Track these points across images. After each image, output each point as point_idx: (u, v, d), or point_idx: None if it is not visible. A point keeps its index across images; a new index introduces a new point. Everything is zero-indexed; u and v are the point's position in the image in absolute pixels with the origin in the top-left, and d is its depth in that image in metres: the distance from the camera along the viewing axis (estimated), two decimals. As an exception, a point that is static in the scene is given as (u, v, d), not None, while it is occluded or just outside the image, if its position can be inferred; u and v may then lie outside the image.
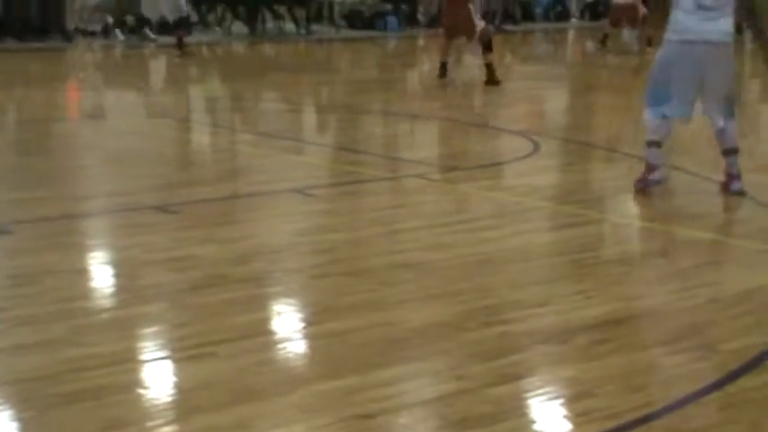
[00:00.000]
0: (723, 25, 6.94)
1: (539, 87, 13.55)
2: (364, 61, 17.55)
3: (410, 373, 4.23)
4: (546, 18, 22.23)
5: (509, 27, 21.35)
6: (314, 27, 19.87)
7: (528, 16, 22.26)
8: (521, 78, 15.13)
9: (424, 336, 4.63)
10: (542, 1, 22.75)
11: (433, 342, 4.55)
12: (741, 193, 7.16)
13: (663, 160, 7.41)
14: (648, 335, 4.68)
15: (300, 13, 19.94)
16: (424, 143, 9.90)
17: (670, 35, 7.15)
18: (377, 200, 7.44)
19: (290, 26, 20.06)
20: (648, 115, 7.37)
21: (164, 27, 18.09)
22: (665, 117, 7.28)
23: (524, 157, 8.75)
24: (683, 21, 6.96)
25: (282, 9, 20.29)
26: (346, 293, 5.20)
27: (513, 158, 8.84)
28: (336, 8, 20.83)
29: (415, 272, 5.56)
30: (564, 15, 22.84)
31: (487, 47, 13.10)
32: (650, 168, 7.36)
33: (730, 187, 7.23)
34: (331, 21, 20.89)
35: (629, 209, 7.43)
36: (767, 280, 5.47)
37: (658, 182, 7.41)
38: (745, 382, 4.13)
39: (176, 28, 16.57)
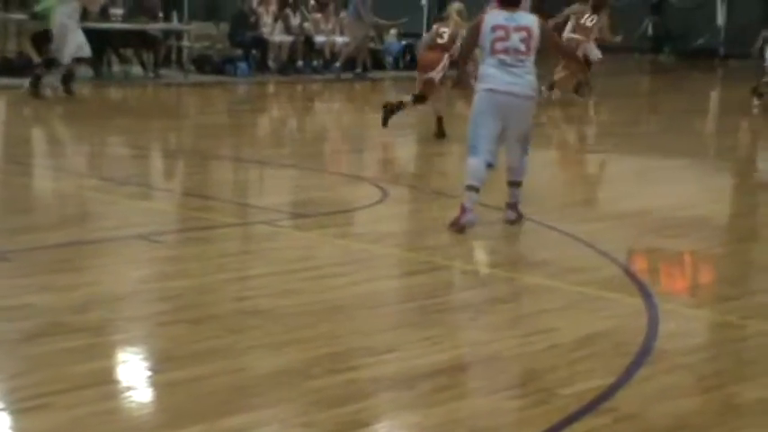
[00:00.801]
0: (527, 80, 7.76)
1: (388, 135, 13.68)
2: (213, 106, 17.45)
3: (256, 422, 4.19)
4: (396, 67, 22.53)
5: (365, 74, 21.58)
6: (162, 71, 19.66)
7: (378, 65, 22.53)
8: (371, 126, 15.28)
9: (270, 383, 4.61)
10: (392, 50, 23.05)
11: (279, 389, 4.53)
12: (512, 222, 8.06)
13: (475, 204, 7.74)
14: (491, 380, 4.75)
15: (148, 56, 19.71)
16: (273, 190, 9.88)
17: (480, 85, 7.86)
18: (225, 246, 7.38)
19: (137, 69, 19.82)
20: (470, 161, 7.83)
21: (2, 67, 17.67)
22: (487, 164, 7.77)
23: (373, 204, 8.82)
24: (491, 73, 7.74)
25: (129, 52, 20.03)
26: (192, 341, 5.13)
27: (361, 206, 8.90)
28: (185, 52, 20.67)
29: (263, 319, 5.53)
30: (413, 64, 23.17)
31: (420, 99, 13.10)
32: (464, 210, 7.60)
33: (507, 216, 8.09)
34: (180, 65, 20.71)
35: (474, 256, 7.57)
36: (604, 326, 5.63)
37: (472, 223, 7.66)
38: (582, 425, 4.24)
39: (40, 66, 16.10)
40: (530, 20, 7.76)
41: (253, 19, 21.05)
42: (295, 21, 21.77)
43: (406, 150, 13.17)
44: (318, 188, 9.84)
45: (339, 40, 22.32)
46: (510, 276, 6.80)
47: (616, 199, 9.57)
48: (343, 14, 22.66)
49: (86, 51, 15.92)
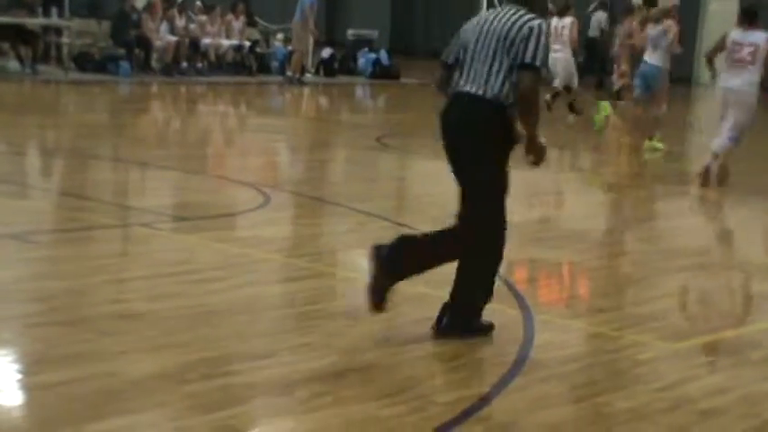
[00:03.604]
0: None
1: (272, 140, 13.63)
2: (94, 105, 17.14)
3: (126, 426, 4.11)
4: (281, 72, 22.46)
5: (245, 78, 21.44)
6: (41, 67, 19.23)
7: (263, 69, 22.45)
8: (256, 130, 15.19)
9: (142, 388, 4.52)
10: (278, 55, 22.97)
11: (152, 394, 4.45)
12: None
13: None
14: (368, 387, 4.75)
15: (26, 51, 19.26)
16: (152, 192, 9.74)
17: None
18: (101, 248, 7.24)
19: (13, 64, 19.33)
20: None
21: None
22: None
23: (254, 209, 8.76)
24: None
25: (6, 46, 19.55)
26: (63, 343, 5.01)
27: (242, 210, 8.83)
28: (65, 49, 20.26)
29: (137, 322, 5.43)
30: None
31: None
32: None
33: None
34: (59, 62, 20.29)
35: (355, 263, 7.56)
36: (481, 336, 5.67)
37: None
38: (457, 433, 4.27)
39: None
40: None
41: (135, 17, 20.74)
42: (180, 22, 21.54)
43: (288, 156, 13.13)
44: (199, 191, 9.73)
45: (225, 42, 22.16)
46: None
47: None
48: (230, 17, 22.52)
49: None
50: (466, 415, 4.45)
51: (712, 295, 7.04)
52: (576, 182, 12.06)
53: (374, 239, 7.97)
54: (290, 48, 22.50)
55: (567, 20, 16.86)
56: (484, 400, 4.66)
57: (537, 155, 5.73)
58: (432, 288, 6.55)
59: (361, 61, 24.30)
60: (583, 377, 5.19)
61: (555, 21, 16.74)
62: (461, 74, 5.63)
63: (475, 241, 5.63)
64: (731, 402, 4.93)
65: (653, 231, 9.42)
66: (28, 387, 4.53)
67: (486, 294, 5.65)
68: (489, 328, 5.67)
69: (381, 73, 23.83)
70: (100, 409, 4.22)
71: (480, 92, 5.48)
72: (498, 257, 5.69)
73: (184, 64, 21.11)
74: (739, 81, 11.41)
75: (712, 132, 12.17)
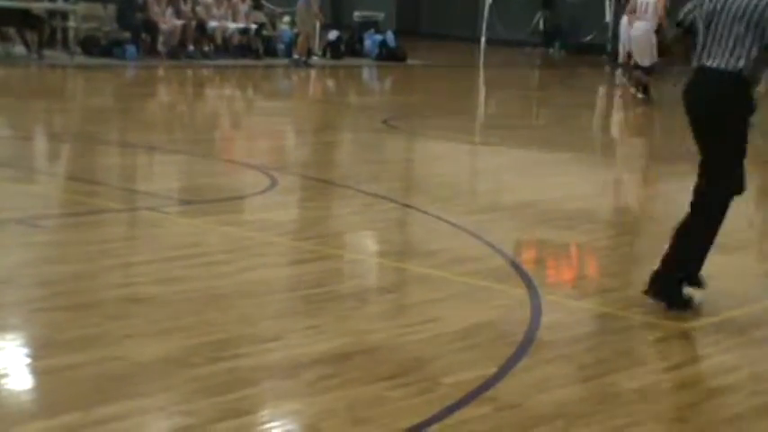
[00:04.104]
0: None
1: (279, 123, 13.62)
2: (100, 89, 17.13)
3: (135, 410, 4.12)
4: (287, 54, 22.41)
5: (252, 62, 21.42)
6: (47, 52, 19.22)
7: (270, 52, 22.43)
8: (262, 114, 15.19)
9: (150, 371, 4.53)
10: (284, 38, 22.93)
11: (159, 377, 4.46)
12: None
13: None
14: (375, 369, 4.75)
15: (32, 36, 19.24)
16: (160, 176, 9.74)
17: None
18: (108, 232, 7.24)
19: (20, 49, 19.32)
20: None
21: None
22: None
23: (261, 192, 8.76)
24: None
25: (11, 31, 19.53)
26: (70, 328, 5.02)
27: (249, 193, 8.82)
28: (71, 33, 20.23)
29: (144, 306, 5.44)
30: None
31: None
32: None
33: None
34: (65, 46, 20.27)
35: (362, 245, 7.57)
36: (488, 316, 5.68)
37: None
38: (463, 414, 4.27)
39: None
40: None
41: (141, 1, 20.71)
42: (186, 5, 21.50)
43: (295, 138, 13.12)
44: (207, 175, 9.73)
45: (231, 25, 22.12)
46: (396, 266, 6.81)
47: (503, 191, 9.67)
48: (236, 0, 22.48)
49: None
50: (473, 396, 4.45)
51: (720, 274, 7.01)
52: (585, 162, 12.03)
53: (381, 221, 8.03)
54: (295, 30, 22.46)
55: None
56: (491, 381, 4.65)
57: None
58: (436, 269, 6.56)
59: (368, 43, 24.25)
60: (590, 357, 5.18)
61: None
62: (703, 48, 5.83)
63: (711, 212, 5.94)
64: (739, 381, 4.92)
65: (663, 210, 9.40)
66: (35, 371, 4.55)
67: (700, 263, 5.98)
68: (690, 301, 5.95)
69: (388, 55, 23.77)
70: (107, 393, 4.23)
71: (725, 66, 5.73)
72: (716, 233, 5.99)
73: (191, 47, 21.08)
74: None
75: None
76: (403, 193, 9.18)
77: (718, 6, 5.78)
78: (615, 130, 16.12)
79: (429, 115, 15.09)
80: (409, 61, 23.83)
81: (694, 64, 5.92)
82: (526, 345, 5.22)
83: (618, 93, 17.06)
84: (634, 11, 16.64)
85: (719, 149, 5.90)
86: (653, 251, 7.66)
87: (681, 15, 6.04)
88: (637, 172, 11.82)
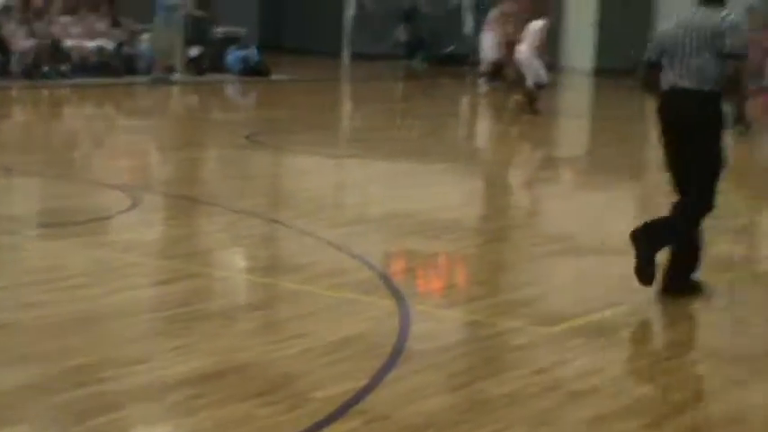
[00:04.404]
0: None
1: (140, 141, 13.40)
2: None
3: (-5, 441, 3.98)
4: (148, 72, 22.08)
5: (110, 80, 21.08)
6: None
7: (130, 69, 22.08)
8: (124, 132, 14.92)
9: (10, 400, 4.39)
10: (145, 55, 22.60)
11: (20, 406, 4.32)
12: None
13: None
14: (244, 387, 4.70)
15: None
16: (17, 198, 9.49)
17: None
18: (-36, 258, 7.01)
19: None
20: None
21: None
22: None
23: (124, 211, 8.59)
24: None
25: None
26: (-75, 359, 4.83)
27: (112, 213, 8.64)
28: None
29: (3, 333, 5.27)
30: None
31: None
32: None
33: None
34: None
35: (229, 262, 7.49)
36: (358, 329, 5.68)
37: None
38: (333, 428, 4.26)
39: None
40: None
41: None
42: (40, 24, 21.00)
43: (158, 157, 12.93)
44: (66, 196, 9.51)
45: (89, 44, 21.68)
46: (264, 282, 6.77)
47: (370, 203, 9.69)
48: (93, 17, 22.06)
49: None
50: (342, 410, 4.44)
51: (582, 278, 7.17)
52: (450, 171, 12.16)
53: (248, 237, 7.97)
54: (156, 47, 22.13)
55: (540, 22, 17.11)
56: (361, 394, 4.65)
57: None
58: (305, 284, 6.54)
59: (230, 59, 24.06)
60: (459, 365, 5.23)
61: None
62: (673, 70, 6.37)
63: (700, 214, 6.45)
64: (601, 382, 5.02)
65: (524, 217, 9.57)
66: None
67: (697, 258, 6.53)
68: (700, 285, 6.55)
69: (251, 70, 23.62)
70: (-35, 425, 4.09)
71: (697, 86, 6.28)
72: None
73: (46, 67, 20.56)
74: None
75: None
76: (269, 209, 9.13)
77: (682, 31, 6.36)
78: (480, 139, 16.35)
79: (294, 130, 15.05)
80: (273, 76, 23.73)
81: (666, 86, 6.42)
82: (396, 356, 5.24)
83: (510, 104, 17.31)
84: (511, 30, 17.20)
85: (699, 166, 6.37)
86: (520, 258, 7.81)
87: (648, 53, 6.59)
88: (502, 180, 12.00)
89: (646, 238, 6.37)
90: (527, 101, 16.87)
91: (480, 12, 26.97)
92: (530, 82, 16.89)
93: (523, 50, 16.89)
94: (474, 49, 27.10)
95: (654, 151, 14.59)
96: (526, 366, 5.22)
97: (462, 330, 6.02)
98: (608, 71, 25.44)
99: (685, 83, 6.31)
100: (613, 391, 4.92)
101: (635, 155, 13.82)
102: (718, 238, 8.11)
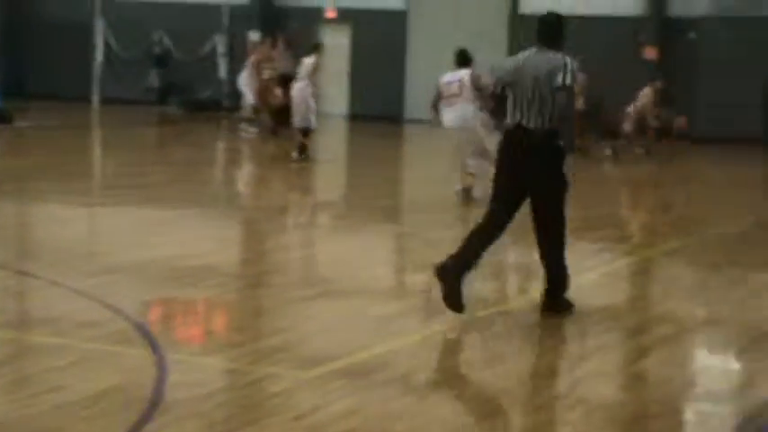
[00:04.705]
0: None
1: None
2: None
3: None
4: None
5: None
6: None
7: None
8: None
9: None
10: None
11: None
12: None
13: None
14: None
15: None
16: None
17: None
18: None
19: None
20: None
21: None
22: None
23: None
24: None
25: None
26: None
27: None
28: None
29: None
30: None
31: None
32: None
33: None
34: None
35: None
36: (114, 381, 5.54)
37: None
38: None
39: None
40: None
41: None
42: None
43: None
44: None
45: None
46: (13, 337, 6.50)
47: (123, 251, 9.45)
48: None
49: None
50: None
51: (340, 321, 7.25)
52: (207, 217, 12.06)
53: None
54: None
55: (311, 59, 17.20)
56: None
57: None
58: (57, 336, 6.32)
59: (-31, 107, 23.06)
60: (219, 414, 5.17)
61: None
62: (516, 108, 7.08)
63: (558, 235, 7.22)
64: (362, 423, 5.09)
65: (282, 262, 9.59)
66: None
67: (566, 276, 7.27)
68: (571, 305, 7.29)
69: (-6, 118, 22.71)
70: None
71: (539, 124, 7.00)
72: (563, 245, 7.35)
73: None
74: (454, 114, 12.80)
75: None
76: (17, 260, 8.79)
77: (519, 73, 7.12)
78: (238, 184, 16.28)
79: (41, 178, 14.55)
80: (17, 123, 22.91)
81: (510, 123, 7.11)
82: (153, 407, 5.14)
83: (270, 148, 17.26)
84: (266, 76, 17.27)
85: (547, 194, 7.14)
86: (278, 303, 7.81)
87: (493, 87, 7.42)
88: (260, 225, 11.99)
89: (451, 270, 6.99)
90: (298, 146, 16.91)
91: (233, 58, 27.07)
92: (297, 123, 17.01)
93: (298, 87, 17.01)
94: (229, 94, 27.17)
95: (414, 192, 15.04)
96: (287, 412, 5.23)
97: (221, 378, 5.96)
98: (361, 117, 26.04)
99: (528, 122, 7.02)
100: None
101: (392, 197, 14.15)
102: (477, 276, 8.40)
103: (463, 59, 13.14)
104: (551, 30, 7.23)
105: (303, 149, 16.98)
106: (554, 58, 7.10)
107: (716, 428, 5.23)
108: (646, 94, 20.13)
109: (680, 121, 20.72)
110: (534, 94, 7.03)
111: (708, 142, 22.33)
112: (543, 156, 7.08)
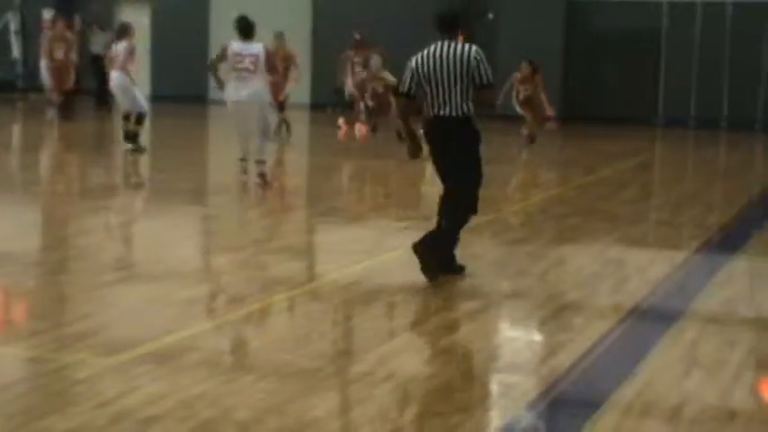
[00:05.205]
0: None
1: None
2: None
3: None
4: None
5: None
6: None
7: None
8: None
9: None
10: None
11: None
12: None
13: None
14: None
15: None
16: None
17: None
18: None
19: None
20: None
21: None
22: None
23: None
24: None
25: None
26: None
27: None
28: None
29: None
30: None
31: None
32: None
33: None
34: None
35: None
36: None
37: None
38: None
39: None
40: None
41: None
42: None
43: None
44: None
45: None
46: None
47: None
48: None
49: None
50: None
51: (146, 305, 7.13)
52: (4, 203, 11.62)
53: None
54: None
55: (122, 44, 16.08)
56: None
57: None
58: None
59: None
60: (20, 404, 5.01)
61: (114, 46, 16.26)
62: (434, 100, 7.72)
63: (455, 219, 7.94)
64: (169, 407, 5.01)
65: (84, 247, 9.33)
66: None
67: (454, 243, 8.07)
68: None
69: None
70: None
71: (455, 113, 7.68)
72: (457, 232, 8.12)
73: None
74: (246, 92, 12.43)
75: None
76: None
77: (434, 67, 7.65)
78: (38, 169, 15.70)
79: None
80: None
81: (430, 114, 7.73)
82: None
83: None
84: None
85: (462, 176, 7.80)
86: (81, 289, 7.60)
87: (402, 86, 7.88)
88: (62, 210, 11.62)
89: (426, 246, 7.71)
90: (126, 135, 16.03)
91: (26, 37, 26.11)
92: (125, 108, 16.11)
93: (114, 77, 16.07)
94: (23, 75, 26.22)
95: (214, 176, 14.85)
96: (92, 399, 5.10)
97: (22, 367, 5.77)
98: (162, 98, 25.55)
99: (445, 112, 7.66)
100: (182, 416, 4.92)
101: (194, 180, 13.96)
102: (274, 258, 8.39)
103: (247, 29, 12.51)
104: (451, 22, 7.83)
105: (133, 137, 16.09)
106: (465, 50, 7.67)
107: (518, 399, 5.38)
108: None
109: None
110: (452, 87, 7.63)
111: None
112: (459, 143, 7.79)
